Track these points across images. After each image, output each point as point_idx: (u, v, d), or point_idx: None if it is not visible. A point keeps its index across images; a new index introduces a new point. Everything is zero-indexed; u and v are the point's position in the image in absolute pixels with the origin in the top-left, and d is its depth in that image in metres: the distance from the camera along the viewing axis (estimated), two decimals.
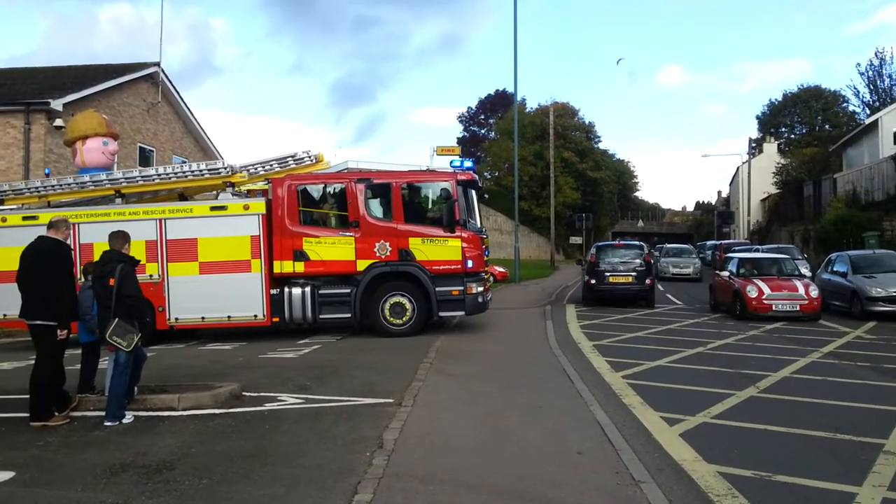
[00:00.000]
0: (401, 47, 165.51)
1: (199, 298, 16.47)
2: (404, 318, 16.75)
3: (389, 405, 9.63)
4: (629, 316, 21.72)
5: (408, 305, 16.73)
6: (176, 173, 17.17)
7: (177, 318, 16.71)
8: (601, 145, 74.07)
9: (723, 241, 53.02)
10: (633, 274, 24.29)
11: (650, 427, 8.86)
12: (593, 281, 24.59)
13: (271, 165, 17.50)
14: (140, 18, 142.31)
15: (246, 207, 16.62)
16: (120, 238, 9.64)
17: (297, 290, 16.62)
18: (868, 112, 54.73)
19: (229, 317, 16.68)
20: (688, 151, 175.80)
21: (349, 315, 16.72)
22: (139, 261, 10.01)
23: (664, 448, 7.96)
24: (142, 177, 17.38)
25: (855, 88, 78.90)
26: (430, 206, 17.73)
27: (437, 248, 16.60)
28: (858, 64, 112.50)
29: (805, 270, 31.22)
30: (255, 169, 17.41)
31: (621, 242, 29.65)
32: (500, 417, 9.25)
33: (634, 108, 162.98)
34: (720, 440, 8.34)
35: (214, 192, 17.94)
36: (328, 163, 18.19)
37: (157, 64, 28.11)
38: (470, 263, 16.71)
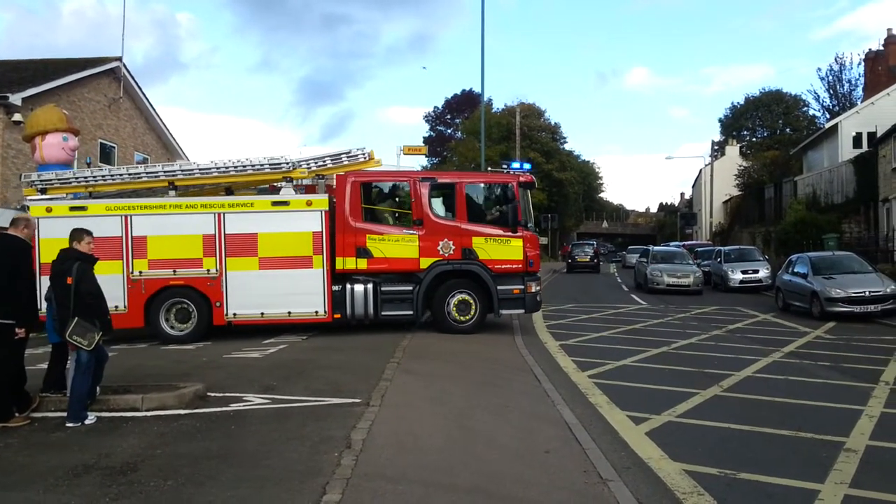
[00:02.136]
0: (370, 46, 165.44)
1: (259, 294, 16.32)
2: (468, 316, 16.92)
3: (357, 405, 9.57)
4: (595, 316, 21.87)
5: (472, 303, 16.92)
6: (235, 167, 16.90)
7: (235, 314, 16.51)
8: (567, 146, 74.45)
9: (686, 243, 53.57)
10: (590, 255, 50.72)
11: (616, 426, 8.93)
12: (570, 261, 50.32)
13: (324, 161, 17.26)
14: (104, 12, 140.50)
15: (309, 203, 16.46)
16: (77, 235, 9.46)
17: (359, 287, 16.60)
18: (828, 116, 55.73)
19: (290, 313, 16.57)
20: (652, 153, 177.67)
21: (411, 312, 16.80)
22: (97, 258, 9.85)
23: (631, 446, 8.03)
24: (199, 169, 17.08)
25: (815, 93, 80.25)
26: (492, 206, 17.90)
27: (499, 248, 16.78)
28: (819, 69, 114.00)
29: (765, 272, 31.87)
30: (308, 164, 17.14)
31: (583, 242, 53.85)
32: (468, 417, 9.25)
33: (601, 110, 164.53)
34: (685, 438, 8.43)
35: (258, 187, 17.91)
36: (379, 161, 18.02)
37: (119, 59, 27.71)
38: (531, 263, 17.04)
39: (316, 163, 17.16)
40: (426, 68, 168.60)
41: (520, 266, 16.85)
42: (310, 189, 17.17)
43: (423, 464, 7.20)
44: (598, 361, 13.59)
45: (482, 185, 18.01)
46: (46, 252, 15.07)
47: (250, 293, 16.29)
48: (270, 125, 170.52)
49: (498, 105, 74.10)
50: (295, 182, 16.81)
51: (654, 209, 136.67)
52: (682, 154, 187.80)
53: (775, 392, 11.01)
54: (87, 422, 8.76)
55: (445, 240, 16.68)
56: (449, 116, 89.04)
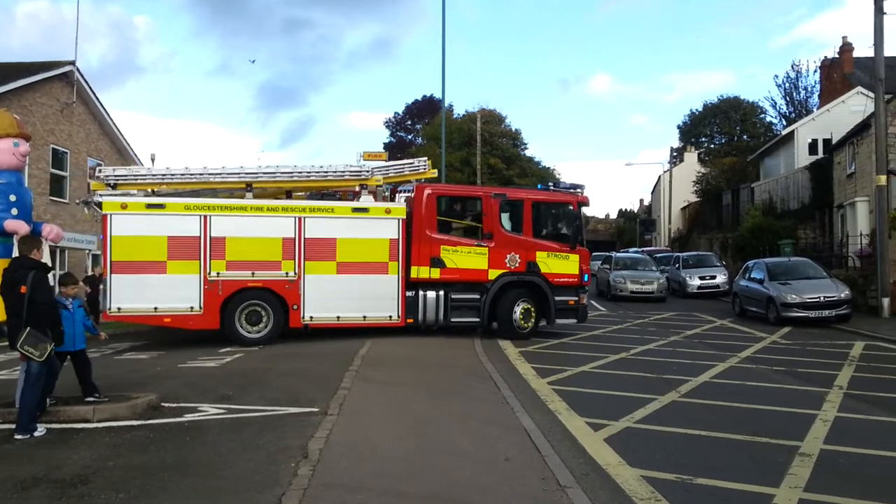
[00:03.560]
0: (332, 50, 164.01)
1: (336, 298, 16.74)
2: (530, 323, 18.03)
3: (314, 414, 9.48)
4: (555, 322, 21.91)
5: (533, 311, 18.00)
6: (317, 172, 17.49)
7: (311, 317, 16.84)
8: (528, 152, 74.61)
9: (645, 249, 54.03)
10: None
11: (575, 433, 8.94)
12: None
13: (387, 171, 18.39)
14: (59, 15, 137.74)
15: (388, 211, 17.27)
16: (29, 244, 9.24)
17: (431, 294, 17.39)
18: (784, 123, 56.51)
19: (364, 317, 17.09)
20: (612, 160, 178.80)
21: (478, 319, 17.82)
22: (52, 267, 9.63)
23: (589, 453, 8.03)
24: (282, 172, 17.53)
25: (772, 100, 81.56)
26: (553, 223, 19.07)
27: (559, 262, 18.07)
28: (776, 76, 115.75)
29: (723, 277, 32.28)
30: (383, 173, 18.14)
31: None
32: (426, 424, 9.19)
33: (562, 116, 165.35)
34: (643, 444, 8.46)
35: (325, 192, 18.46)
36: (434, 171, 19.33)
37: (73, 63, 27.21)
38: (586, 277, 18.50)
39: (384, 171, 18.29)
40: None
41: (576, 280, 18.22)
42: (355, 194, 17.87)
43: (382, 472, 7.13)
44: (557, 368, 13.62)
45: (547, 202, 18.84)
46: (118, 249, 15.58)
47: (327, 297, 16.72)
48: (229, 130, 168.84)
49: (459, 111, 74.21)
50: (368, 189, 17.59)
51: (613, 215, 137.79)
52: (642, 160, 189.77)
53: (732, 397, 11.12)
54: (36, 434, 8.54)
55: (512, 253, 17.81)
56: (409, 122, 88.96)
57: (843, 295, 21.35)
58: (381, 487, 6.66)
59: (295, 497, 6.26)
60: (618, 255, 37.37)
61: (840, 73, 43.22)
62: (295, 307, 16.65)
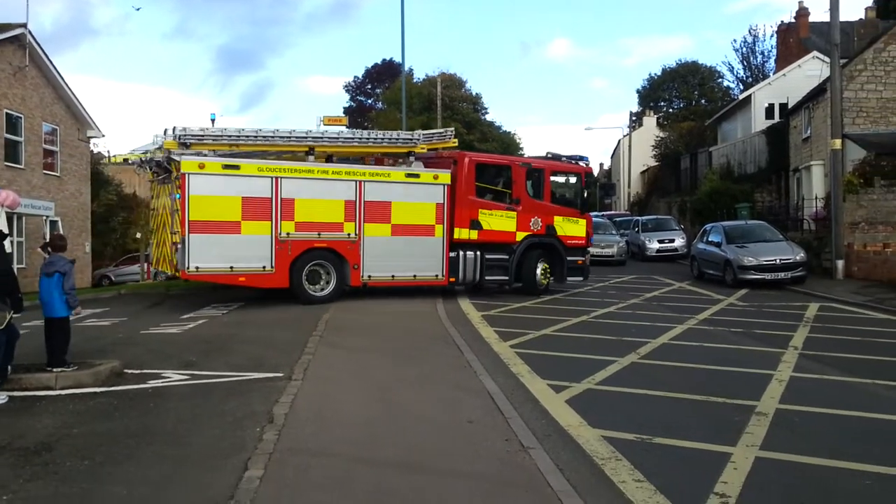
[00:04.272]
0: (290, 12, 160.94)
1: (390, 258, 17.88)
2: (547, 280, 20.04)
3: (279, 379, 9.51)
4: (517, 287, 22.07)
5: (549, 270, 19.94)
6: (373, 139, 19.17)
7: (370, 276, 17.82)
8: (488, 117, 74.43)
9: (605, 213, 54.42)
10: None
11: (538, 395, 9.07)
12: None
13: (430, 138, 20.32)
14: None
15: (435, 177, 18.51)
16: None
17: (470, 254, 18.79)
18: (742, 87, 56.88)
19: (415, 276, 18.37)
20: (572, 124, 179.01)
21: (506, 277, 19.45)
22: (7, 234, 9.49)
23: (551, 414, 8.17)
24: (343, 139, 18.92)
25: (729, 64, 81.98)
26: (565, 191, 20.88)
27: (571, 226, 20.17)
28: (734, 40, 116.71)
29: (681, 240, 32.71)
30: (427, 140, 19.95)
31: None
32: (390, 389, 9.28)
33: (523, 80, 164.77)
34: (604, 406, 8.63)
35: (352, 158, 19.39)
36: (455, 141, 20.94)
37: (24, 25, 26.47)
38: (591, 240, 21.17)
39: (429, 139, 20.14)
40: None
41: (583, 242, 20.47)
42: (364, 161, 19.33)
43: (347, 437, 7.20)
44: (519, 331, 13.76)
45: (562, 172, 20.90)
46: (196, 208, 15.74)
47: (383, 257, 17.83)
48: (187, 94, 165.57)
49: (419, 75, 73.54)
50: (415, 156, 19.16)
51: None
52: (602, 125, 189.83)
53: (690, 358, 11.35)
54: None
55: (535, 217, 19.54)
56: (370, 86, 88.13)
57: (798, 257, 21.77)
58: (345, 452, 6.74)
59: (261, 462, 6.31)
60: None
61: (796, 37, 43.65)
62: (356, 267, 17.54)
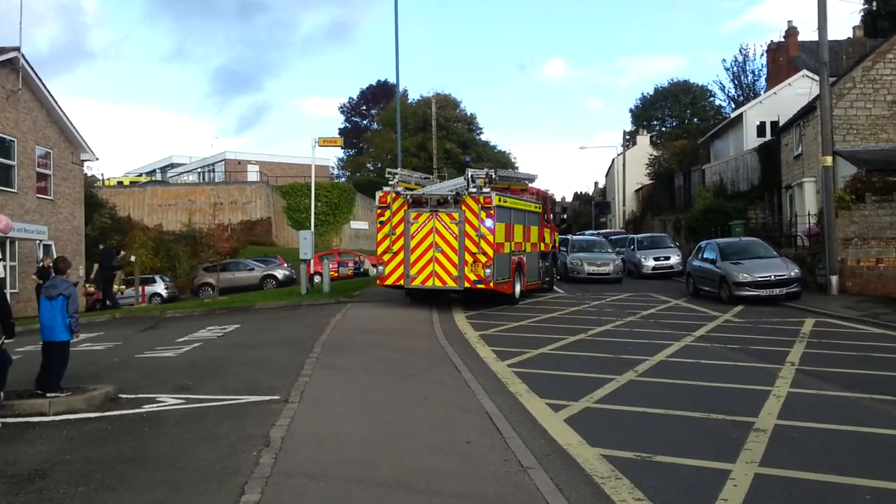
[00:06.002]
0: (288, 34, 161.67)
1: (529, 269, 23.48)
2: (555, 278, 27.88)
3: (276, 402, 9.45)
4: (514, 306, 22.03)
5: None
6: (518, 178, 25.03)
7: (527, 281, 23.72)
8: (483, 137, 74.79)
9: (600, 231, 54.47)
10: None
11: (536, 414, 9.02)
12: None
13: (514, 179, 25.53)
14: None
15: (537, 207, 24.68)
16: None
17: (542, 263, 25.26)
18: (733, 106, 57.24)
19: (528, 282, 23.52)
20: (567, 143, 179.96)
21: (549, 277, 26.44)
22: (0, 259, 9.44)
23: (550, 434, 8.12)
24: (499, 177, 22.55)
25: (721, 83, 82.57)
26: (553, 214, 27.47)
27: (551, 237, 26.90)
28: (724, 60, 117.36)
29: (676, 258, 32.73)
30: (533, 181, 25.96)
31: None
32: (388, 410, 9.22)
33: (517, 100, 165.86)
34: (603, 424, 8.58)
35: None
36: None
37: (17, 49, 26.51)
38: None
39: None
40: None
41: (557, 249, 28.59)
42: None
43: (344, 459, 7.14)
44: (516, 350, 13.71)
45: (551, 200, 28.12)
46: (498, 233, 20.26)
47: (528, 268, 23.35)
48: (184, 116, 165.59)
49: (414, 96, 73.94)
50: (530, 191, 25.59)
51: (569, 198, 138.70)
52: (596, 144, 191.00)
53: (687, 375, 11.31)
54: None
55: (550, 233, 26.37)
56: (364, 107, 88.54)
57: (792, 273, 21.77)
58: (343, 475, 6.68)
59: (257, 486, 6.25)
60: (574, 237, 36.99)
61: (786, 56, 43.96)
62: (522, 276, 22.74)
